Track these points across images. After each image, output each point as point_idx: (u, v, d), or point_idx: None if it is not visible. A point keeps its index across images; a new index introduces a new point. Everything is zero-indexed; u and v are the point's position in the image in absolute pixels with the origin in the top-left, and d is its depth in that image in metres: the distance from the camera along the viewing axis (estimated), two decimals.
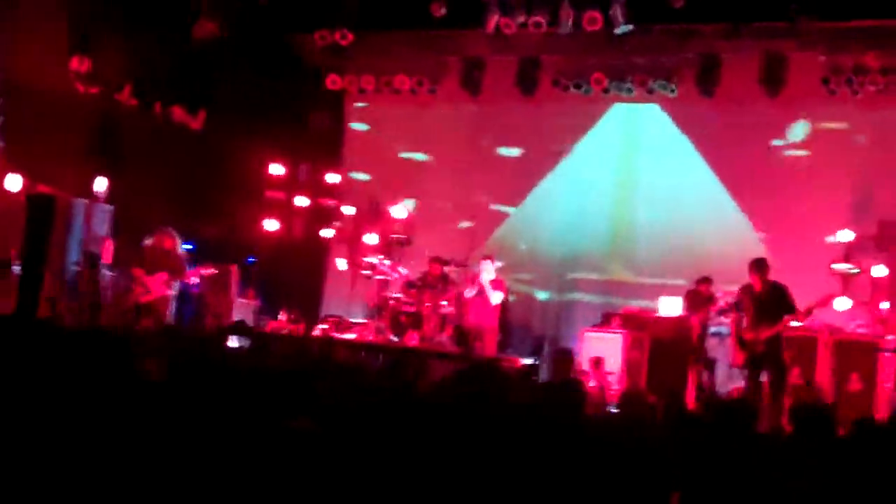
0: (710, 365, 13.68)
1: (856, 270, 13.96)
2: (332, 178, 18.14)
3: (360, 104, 18.47)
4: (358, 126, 18.66)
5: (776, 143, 15.69)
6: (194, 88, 17.01)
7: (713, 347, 13.63)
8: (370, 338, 14.56)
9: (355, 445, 4.39)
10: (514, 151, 17.45)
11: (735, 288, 12.39)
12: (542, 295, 16.94)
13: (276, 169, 18.05)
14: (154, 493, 4.23)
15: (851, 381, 12.57)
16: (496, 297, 14.29)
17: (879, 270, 13.79)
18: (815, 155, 15.31)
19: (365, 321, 15.49)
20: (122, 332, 8.77)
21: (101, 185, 15.28)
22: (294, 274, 17.75)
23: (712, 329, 13.70)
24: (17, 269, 14.16)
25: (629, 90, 15.94)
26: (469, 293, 14.35)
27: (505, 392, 6.01)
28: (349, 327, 15.17)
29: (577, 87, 16.18)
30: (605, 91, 16.08)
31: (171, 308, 14.20)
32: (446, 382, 6.79)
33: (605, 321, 14.83)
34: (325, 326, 14.98)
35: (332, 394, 5.72)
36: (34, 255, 14.22)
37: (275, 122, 17.67)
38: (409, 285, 15.01)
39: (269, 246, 17.99)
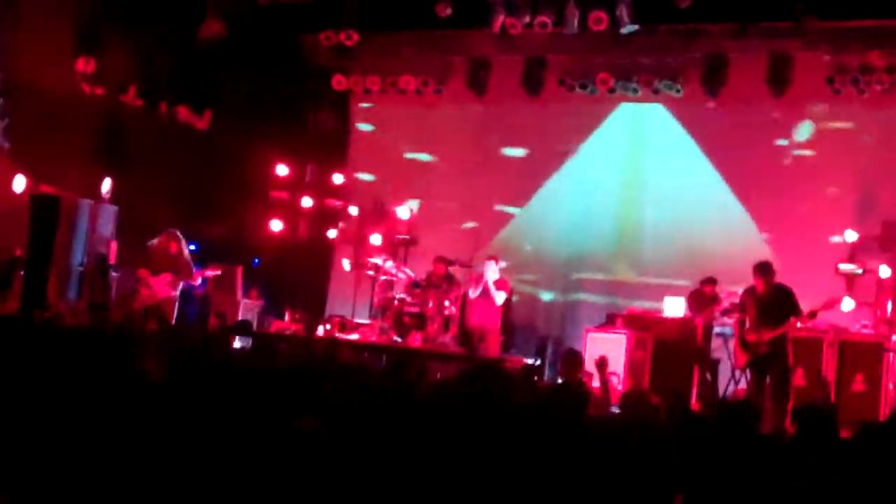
0: (713, 366, 13.67)
1: (860, 271, 13.93)
2: (338, 178, 18.14)
3: (365, 105, 18.45)
4: (363, 126, 18.65)
5: (781, 142, 15.65)
6: (200, 89, 17.02)
7: (717, 348, 13.62)
8: (374, 338, 14.55)
9: (359, 446, 4.38)
10: (520, 151, 17.42)
11: (739, 289, 12.38)
12: (546, 295, 16.92)
13: (282, 169, 18.06)
14: (154, 492, 4.24)
15: (856, 381, 12.53)
16: (500, 298, 14.29)
17: (884, 271, 13.74)
18: (820, 155, 15.26)
19: (369, 322, 15.48)
20: (123, 333, 8.77)
21: (106, 185, 15.31)
22: (299, 274, 17.77)
23: (716, 330, 13.69)
24: None
25: (635, 90, 15.91)
26: (473, 293, 14.35)
27: (508, 393, 5.99)
28: (353, 328, 15.16)
29: (583, 87, 16.15)
30: (611, 91, 16.05)
31: (175, 309, 14.21)
32: (450, 383, 6.78)
33: (608, 321, 14.79)
34: (329, 326, 14.95)
35: (335, 394, 5.72)
36: (39, 256, 14.25)
37: (280, 122, 17.70)
38: (413, 286, 14.99)
39: (273, 246, 18.00)
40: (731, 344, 12.56)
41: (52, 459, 4.34)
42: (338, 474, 4.22)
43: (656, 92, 15.84)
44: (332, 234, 18.11)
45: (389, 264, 15.43)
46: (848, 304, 13.27)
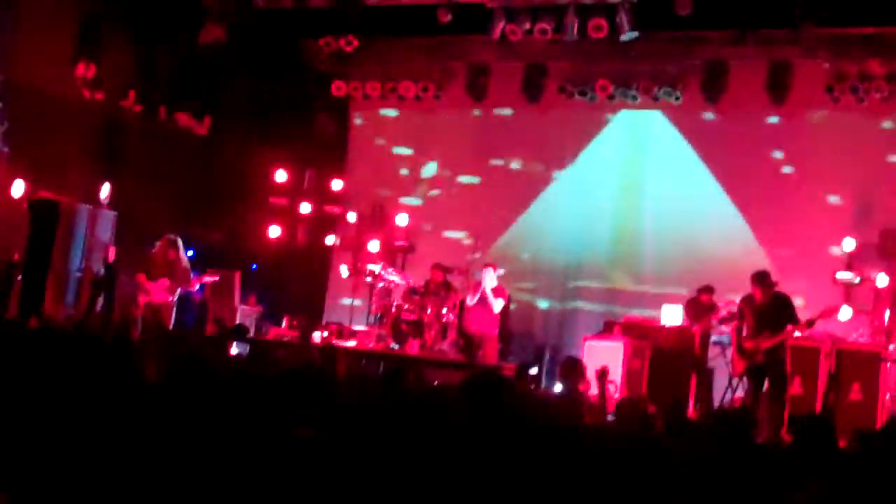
0: (707, 375, 13.66)
1: (858, 280, 13.93)
2: (336, 184, 18.14)
3: (365, 110, 18.44)
4: (362, 132, 18.63)
5: (778, 154, 15.62)
6: (199, 94, 17.03)
7: (714, 357, 13.61)
8: (371, 345, 14.54)
9: (355, 453, 4.38)
10: (519, 158, 17.39)
11: (737, 297, 12.38)
12: (543, 303, 16.90)
13: (280, 175, 18.07)
14: (152, 494, 4.24)
15: (853, 391, 12.51)
16: (498, 305, 14.30)
17: (882, 280, 13.74)
18: (819, 163, 15.23)
19: (366, 328, 15.47)
20: (121, 338, 8.76)
21: (105, 190, 15.31)
22: (297, 281, 17.77)
23: (714, 338, 13.69)
24: None
25: (634, 97, 15.93)
26: (471, 301, 14.35)
27: (510, 401, 5.98)
28: (351, 334, 15.15)
29: (583, 94, 16.17)
30: (611, 98, 16.08)
31: (173, 314, 14.21)
32: (450, 390, 6.78)
33: (606, 330, 14.78)
34: (326, 333, 14.94)
35: (331, 401, 5.71)
36: (37, 261, 14.24)
37: (280, 128, 17.71)
38: (411, 292, 14.98)
39: (272, 252, 18.01)
40: (729, 352, 12.57)
41: (50, 459, 4.34)
42: (334, 481, 4.21)
43: (656, 99, 15.87)
44: (330, 240, 18.10)
45: (391, 272, 15.44)
46: (845, 312, 13.26)
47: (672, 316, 14.22)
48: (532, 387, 13.29)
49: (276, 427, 4.60)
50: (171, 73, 16.71)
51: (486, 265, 14.62)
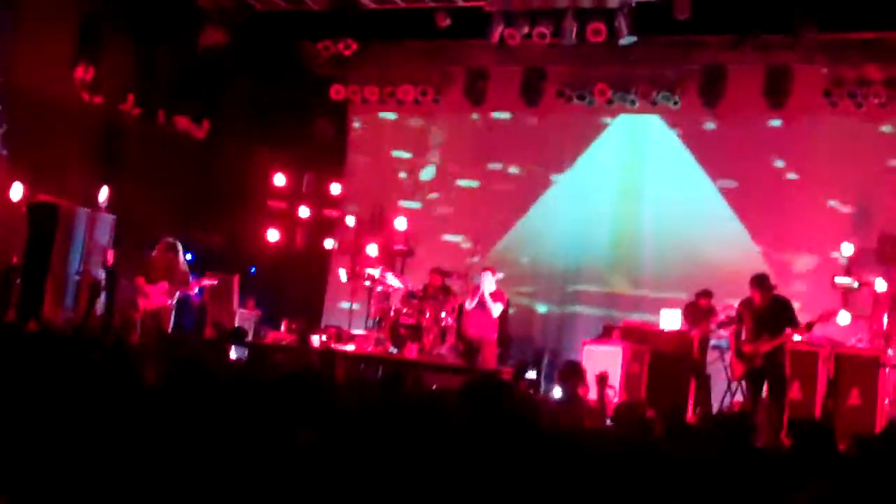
0: (706, 379, 13.66)
1: (857, 284, 13.94)
2: (335, 188, 18.13)
3: (364, 114, 18.44)
4: (361, 136, 18.64)
5: (778, 162, 15.62)
6: (198, 98, 17.03)
7: (713, 361, 13.61)
8: (370, 349, 14.54)
9: (354, 457, 4.37)
10: (517, 162, 17.39)
11: (735, 302, 12.38)
12: (542, 308, 16.90)
13: (279, 179, 18.07)
14: (151, 497, 4.24)
15: (851, 395, 12.51)
16: (496, 309, 14.28)
17: (880, 284, 13.74)
18: (817, 168, 15.24)
19: (365, 332, 15.47)
20: (118, 341, 8.77)
21: (103, 194, 15.31)
22: (295, 284, 17.77)
23: (712, 342, 13.69)
24: None
25: (633, 101, 15.94)
26: (469, 304, 14.34)
27: (509, 405, 5.98)
28: (349, 338, 15.14)
29: (581, 98, 16.18)
30: (609, 102, 16.09)
31: (172, 317, 14.21)
32: (449, 394, 6.78)
33: (605, 334, 14.77)
34: (324, 337, 14.93)
35: (330, 405, 5.71)
36: (35, 265, 14.23)
37: (279, 131, 17.71)
38: (410, 296, 14.98)
39: (270, 256, 18.00)
40: (728, 356, 12.57)
41: (49, 462, 4.34)
42: (332, 486, 4.21)
43: (654, 103, 15.88)
44: (329, 244, 18.10)
45: (389, 276, 15.44)
46: (844, 317, 13.27)
47: (671, 320, 14.22)
48: (530, 389, 13.33)
49: (275, 431, 4.59)
50: (170, 77, 16.72)
51: (485, 269, 14.61)
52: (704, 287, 14.00)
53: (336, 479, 4.20)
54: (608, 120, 16.68)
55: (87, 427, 4.56)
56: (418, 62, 17.37)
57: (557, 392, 12.05)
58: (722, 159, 15.85)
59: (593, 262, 16.52)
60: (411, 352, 14.15)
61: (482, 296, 14.23)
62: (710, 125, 16.06)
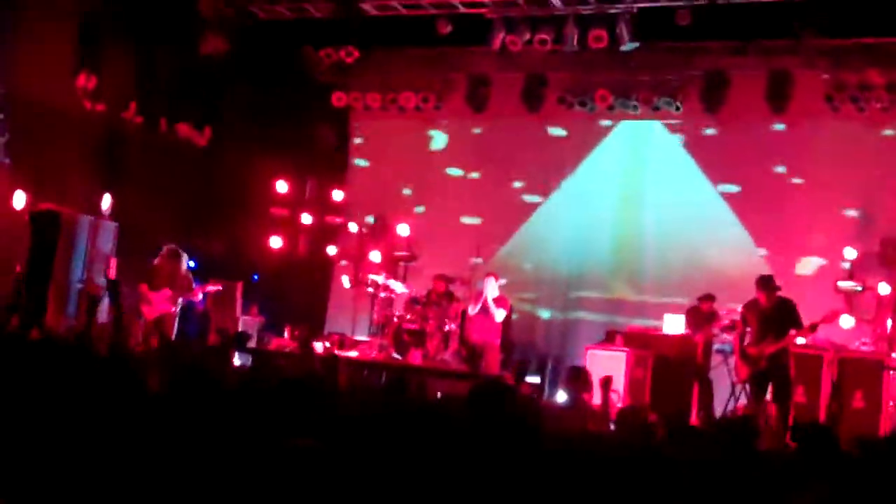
0: (710, 383, 13.64)
1: (860, 288, 13.92)
2: (338, 195, 18.13)
3: (365, 121, 18.44)
4: (363, 142, 18.64)
5: (779, 169, 15.62)
6: (200, 105, 17.04)
7: (717, 365, 13.59)
8: (373, 355, 14.53)
9: (357, 463, 4.37)
10: (519, 169, 17.38)
11: (738, 306, 12.38)
12: (545, 313, 16.89)
13: (281, 186, 18.06)
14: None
15: (856, 398, 12.50)
16: (500, 315, 14.28)
17: (883, 288, 13.73)
18: (819, 172, 15.23)
19: (368, 339, 15.47)
20: (121, 348, 8.78)
21: (106, 202, 15.32)
22: (298, 291, 17.75)
23: (716, 346, 13.67)
24: None
25: (634, 107, 15.95)
26: (472, 310, 14.34)
27: (513, 410, 5.98)
28: (352, 345, 15.14)
29: (583, 104, 16.19)
30: (611, 108, 16.09)
31: (175, 325, 14.22)
32: (453, 400, 6.78)
33: (608, 339, 14.75)
34: (328, 343, 14.92)
35: (333, 411, 5.71)
36: (38, 273, 14.24)
37: (281, 138, 17.71)
38: (413, 302, 14.98)
39: (273, 263, 18.00)
40: (732, 360, 12.57)
41: (52, 468, 4.35)
42: (336, 492, 4.21)
43: (656, 109, 15.88)
44: (331, 250, 18.09)
45: (391, 280, 15.45)
46: (847, 321, 13.26)
47: (674, 325, 14.21)
48: (534, 394, 13.33)
49: (278, 437, 4.59)
50: (171, 84, 16.74)
51: (488, 274, 14.60)
52: (706, 292, 13.99)
53: (340, 485, 4.20)
54: (610, 126, 16.67)
55: (90, 434, 4.56)
56: (420, 69, 17.39)
57: (562, 397, 12.05)
58: (724, 164, 15.85)
59: (596, 268, 16.51)
60: (415, 358, 14.15)
61: (485, 301, 14.23)
62: (711, 131, 16.05)
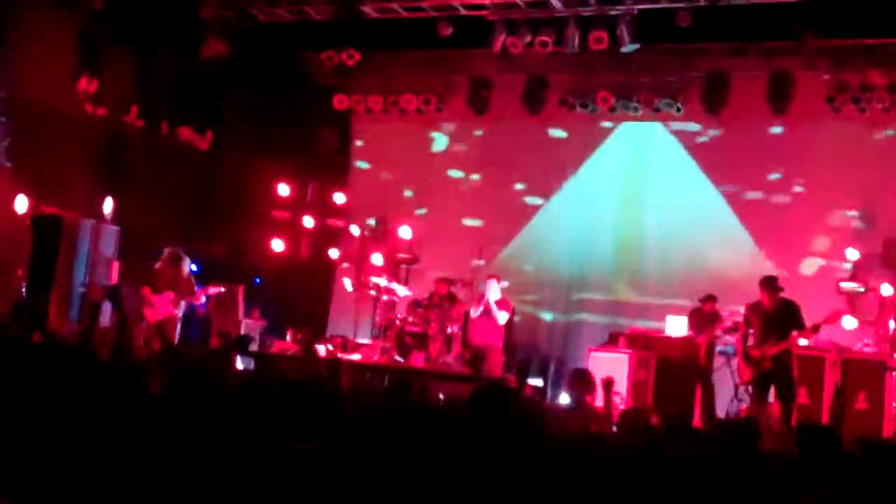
0: (712, 385, 13.64)
1: (862, 289, 13.92)
2: (339, 197, 18.13)
3: (367, 123, 18.44)
4: (365, 145, 18.64)
5: (779, 165, 15.62)
6: (201, 109, 17.04)
7: (720, 366, 13.59)
8: (375, 358, 14.52)
9: (361, 466, 4.37)
10: (521, 171, 17.38)
11: (741, 307, 12.37)
12: (547, 316, 16.89)
13: (283, 189, 18.06)
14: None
15: (859, 399, 12.49)
16: (502, 317, 14.26)
17: (886, 289, 13.72)
18: (821, 174, 15.22)
19: (370, 342, 15.46)
20: (124, 351, 8.79)
21: (107, 205, 15.32)
22: (300, 294, 17.75)
23: (719, 348, 13.66)
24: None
25: (635, 109, 15.96)
26: (475, 312, 14.32)
27: (516, 412, 5.98)
28: (355, 348, 15.13)
29: (584, 106, 16.21)
30: (612, 110, 16.11)
31: (178, 328, 14.22)
32: (456, 403, 6.78)
33: (611, 341, 14.75)
34: (330, 346, 14.91)
35: (335, 414, 5.71)
36: (40, 277, 14.24)
37: (282, 141, 17.72)
38: (415, 305, 14.97)
39: (275, 266, 17.99)
40: (734, 362, 12.56)
41: (55, 471, 4.35)
42: (339, 495, 4.21)
43: (657, 110, 15.90)
44: (333, 253, 18.09)
45: (394, 284, 15.45)
46: (850, 322, 13.26)
47: (677, 326, 14.21)
48: (537, 396, 13.32)
49: (281, 441, 4.59)
50: (172, 88, 16.74)
51: (490, 277, 14.59)
52: (708, 293, 13.98)
53: (343, 489, 4.20)
54: (611, 128, 16.67)
55: (93, 437, 4.56)
56: (421, 71, 17.40)
57: (565, 399, 12.05)
58: (725, 165, 15.86)
59: (598, 270, 16.52)
60: (417, 360, 14.14)
61: (487, 304, 14.21)
62: (712, 132, 16.07)
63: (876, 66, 14.42)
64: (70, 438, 4.52)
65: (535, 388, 14.37)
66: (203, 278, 14.96)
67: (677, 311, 14.55)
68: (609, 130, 16.71)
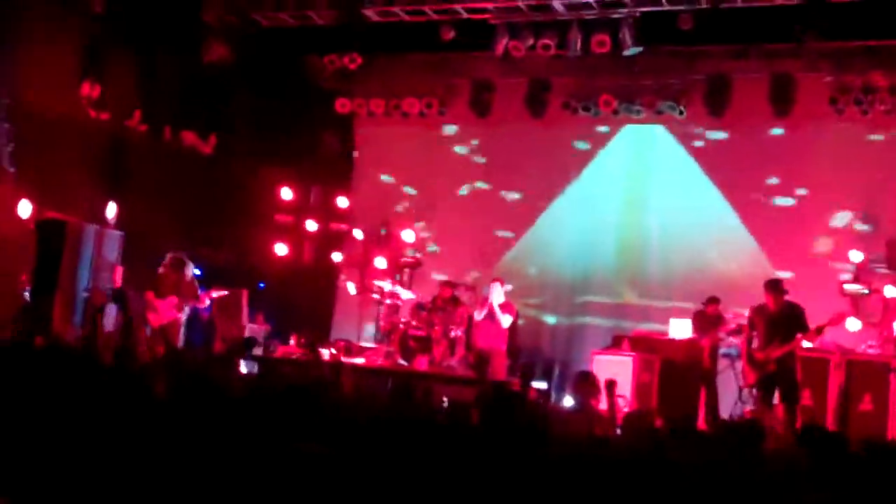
0: (716, 387, 13.62)
1: (866, 291, 13.90)
2: (343, 201, 18.13)
3: (369, 127, 18.45)
4: (367, 149, 18.65)
5: (782, 167, 15.61)
6: (204, 113, 17.06)
7: (724, 369, 13.58)
8: (379, 362, 14.52)
9: (364, 469, 4.37)
10: (524, 173, 17.37)
11: (745, 309, 12.36)
12: (551, 319, 16.88)
13: (286, 193, 18.08)
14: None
15: (863, 401, 12.48)
16: (506, 321, 14.25)
17: (890, 291, 13.71)
18: (823, 175, 15.21)
19: (374, 345, 15.46)
20: (128, 356, 8.79)
21: (111, 210, 15.33)
22: (304, 298, 17.74)
23: (723, 350, 13.65)
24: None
25: (638, 112, 15.96)
26: (478, 316, 14.32)
27: (521, 415, 5.99)
28: (359, 351, 15.14)
29: (586, 109, 16.21)
30: (614, 113, 16.11)
31: (182, 332, 14.22)
32: (460, 406, 6.78)
33: (615, 344, 14.75)
34: (334, 350, 14.91)
35: (339, 417, 5.71)
36: (44, 282, 14.25)
37: (285, 146, 17.73)
38: (418, 308, 14.97)
39: (278, 270, 17.99)
40: (738, 364, 12.55)
41: (58, 473, 4.36)
42: (343, 497, 4.21)
43: (659, 113, 15.90)
44: (336, 257, 18.09)
45: (399, 288, 15.45)
46: (854, 324, 13.25)
47: (680, 329, 14.20)
48: (541, 399, 13.31)
49: (285, 444, 4.60)
50: (175, 93, 16.75)
51: (494, 280, 14.58)
52: (711, 295, 13.97)
53: (347, 492, 4.20)
54: (614, 130, 16.67)
55: (97, 440, 4.57)
56: (423, 75, 17.41)
57: (569, 402, 12.04)
58: (727, 168, 15.85)
59: (601, 273, 16.51)
60: (421, 364, 14.15)
61: (491, 307, 14.20)
62: (715, 134, 16.06)
63: (878, 68, 14.41)
64: (73, 441, 4.53)
65: (539, 391, 14.36)
66: (207, 283, 14.96)
67: (680, 313, 14.54)
68: (612, 133, 16.70)
